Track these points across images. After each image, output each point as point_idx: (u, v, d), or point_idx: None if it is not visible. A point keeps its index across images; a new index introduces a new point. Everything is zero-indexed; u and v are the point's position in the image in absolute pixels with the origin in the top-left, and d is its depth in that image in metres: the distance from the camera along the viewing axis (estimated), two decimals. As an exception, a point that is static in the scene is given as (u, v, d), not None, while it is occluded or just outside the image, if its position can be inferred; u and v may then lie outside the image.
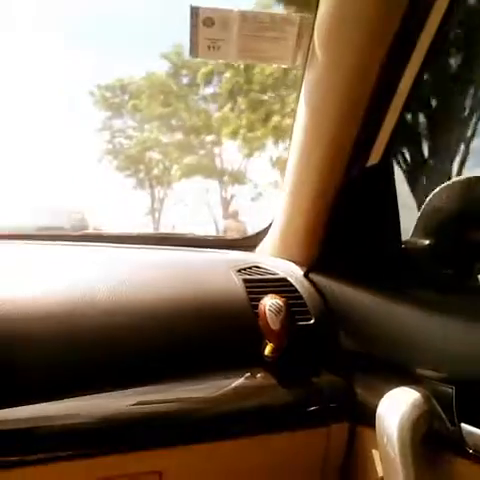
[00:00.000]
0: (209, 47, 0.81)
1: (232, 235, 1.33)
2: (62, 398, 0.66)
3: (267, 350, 0.77)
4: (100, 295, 0.75)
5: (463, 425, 0.62)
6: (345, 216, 0.88)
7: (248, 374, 0.76)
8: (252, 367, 0.77)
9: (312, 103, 0.84)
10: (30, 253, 0.97)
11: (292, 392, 0.77)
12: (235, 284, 0.87)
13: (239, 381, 0.75)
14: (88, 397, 0.67)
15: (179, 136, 15.45)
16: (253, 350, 0.78)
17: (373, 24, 0.72)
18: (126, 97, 16.55)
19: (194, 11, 0.78)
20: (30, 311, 0.70)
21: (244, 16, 0.80)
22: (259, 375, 0.77)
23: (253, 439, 0.76)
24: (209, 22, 0.79)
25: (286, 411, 0.77)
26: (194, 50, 0.80)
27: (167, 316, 0.77)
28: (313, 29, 0.79)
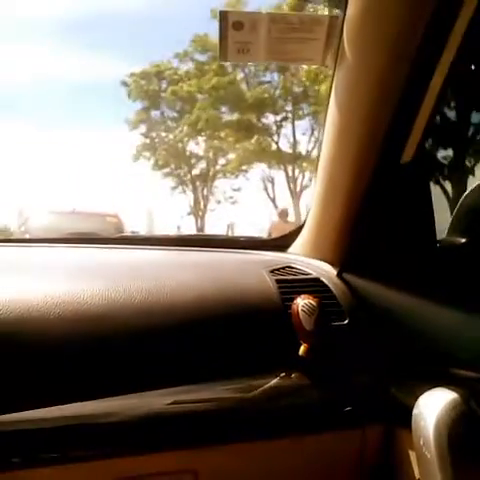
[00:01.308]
0: (238, 50, 0.81)
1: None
2: (99, 397, 0.68)
3: (301, 350, 0.77)
4: (135, 297, 0.77)
5: None
6: (378, 215, 0.88)
7: (283, 374, 0.76)
8: (287, 367, 0.77)
9: (342, 102, 0.83)
10: (67, 256, 1.00)
11: (327, 392, 0.78)
12: (268, 285, 0.87)
13: (274, 381, 0.76)
14: (124, 396, 0.69)
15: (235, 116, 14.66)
16: (287, 350, 0.78)
17: (402, 21, 0.71)
18: (164, 84, 15.92)
19: (223, 15, 0.79)
20: (66, 313, 0.72)
21: (273, 18, 0.80)
22: (293, 375, 0.77)
23: (288, 439, 0.76)
24: (238, 26, 0.80)
25: (321, 412, 0.77)
26: (223, 54, 0.81)
27: (202, 317, 0.78)
28: (342, 29, 0.79)
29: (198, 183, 17.08)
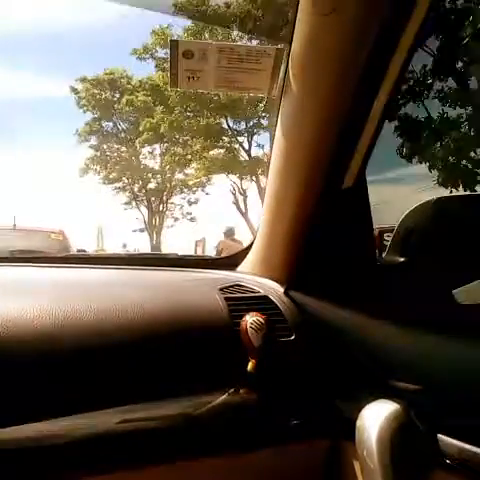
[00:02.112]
0: (189, 78, 0.84)
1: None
2: (46, 418, 0.67)
3: (250, 366, 0.79)
4: (83, 316, 0.76)
5: (440, 436, 0.65)
6: (322, 237, 0.92)
7: (231, 390, 0.78)
8: (236, 384, 0.79)
9: (288, 130, 0.88)
10: (8, 275, 0.98)
11: (274, 408, 0.80)
12: (218, 303, 0.89)
13: (222, 398, 0.77)
14: (73, 416, 0.68)
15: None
16: (236, 367, 0.80)
17: (344, 56, 0.76)
18: (117, 94, 14.73)
19: (173, 44, 0.82)
20: (12, 331, 0.70)
21: (221, 48, 0.84)
22: (242, 391, 0.79)
23: (235, 456, 0.77)
24: (189, 54, 0.83)
25: (268, 427, 0.79)
26: (174, 81, 0.84)
27: (151, 335, 0.78)
28: (288, 60, 0.83)
29: (153, 198, 16.36)
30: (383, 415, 0.70)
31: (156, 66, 14.34)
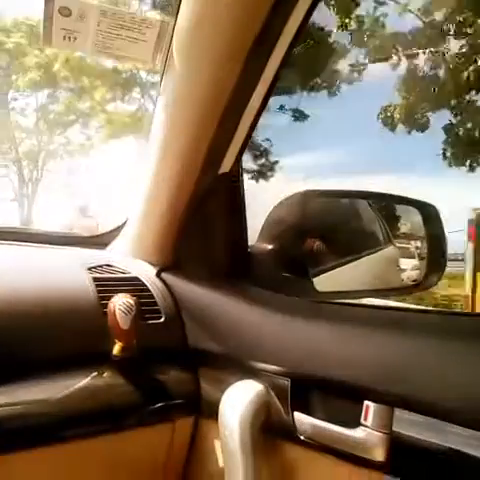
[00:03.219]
0: (64, 37, 0.78)
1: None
2: None
3: (115, 349, 0.77)
4: None
5: (296, 414, 0.69)
6: (198, 220, 0.92)
7: (94, 374, 0.75)
8: (101, 367, 0.76)
9: (168, 108, 0.86)
10: None
11: (139, 390, 0.78)
12: (84, 282, 0.85)
13: (85, 381, 0.74)
14: None
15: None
16: (101, 349, 0.77)
17: (230, 35, 0.76)
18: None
19: (49, -2, 0.75)
20: None
21: (103, 11, 0.78)
22: (106, 374, 0.76)
23: (99, 439, 0.75)
24: (66, 11, 0.77)
25: (132, 409, 0.77)
26: (47, 38, 0.77)
27: (11, 314, 0.73)
28: (173, 34, 0.81)
29: (26, 163, 13.87)
30: (245, 395, 0.73)
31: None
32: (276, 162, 9.23)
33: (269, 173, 9.21)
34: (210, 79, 0.80)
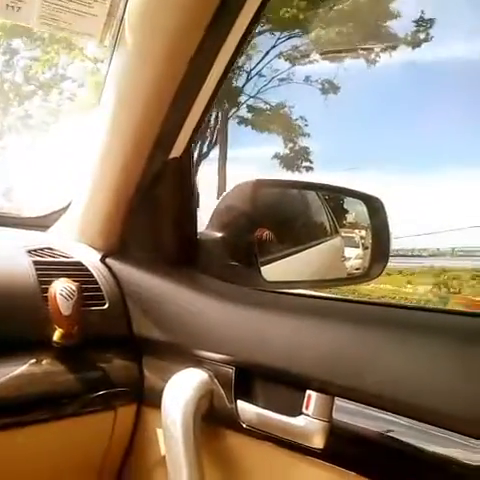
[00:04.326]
0: (8, 6, 0.73)
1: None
2: None
3: (56, 336, 0.75)
4: None
5: (240, 402, 0.69)
6: (146, 205, 0.90)
7: (33, 361, 0.73)
8: (39, 354, 0.74)
9: (117, 90, 0.83)
10: None
11: (80, 377, 0.77)
12: (24, 266, 0.81)
13: (23, 368, 0.71)
14: None
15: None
16: (41, 336, 0.75)
17: (185, 15, 0.73)
18: None
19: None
20: None
21: (50, -18, 0.74)
22: (45, 362, 0.74)
23: (38, 427, 0.73)
24: (9, -22, 0.72)
25: (72, 397, 0.76)
26: (-11, 6, 0.72)
27: None
28: (124, 10, 0.78)
29: None
30: (189, 383, 0.72)
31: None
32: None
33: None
34: (162, 60, 0.77)
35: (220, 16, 0.73)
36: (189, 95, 0.82)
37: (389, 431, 0.61)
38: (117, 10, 0.79)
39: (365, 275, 1.06)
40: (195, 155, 0.92)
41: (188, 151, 0.88)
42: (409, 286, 7.65)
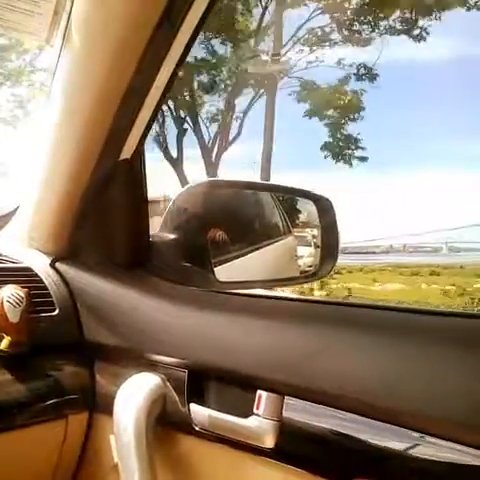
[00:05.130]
0: None
1: None
2: None
3: (3, 344, 0.73)
4: None
5: (193, 405, 0.69)
6: (96, 208, 0.88)
7: None
8: None
9: (65, 90, 0.81)
10: None
11: (30, 386, 0.75)
12: None
13: None
14: None
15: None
16: None
17: (133, 14, 0.72)
18: None
19: None
20: None
21: (-7, -21, 0.72)
22: None
23: None
24: None
25: (22, 407, 0.74)
26: None
27: None
28: (71, 10, 0.76)
29: None
30: (141, 388, 0.72)
31: None
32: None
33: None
34: (110, 60, 0.76)
35: (169, 13, 0.72)
36: (138, 95, 0.81)
37: (338, 428, 0.63)
38: (63, 8, 0.78)
39: (315, 274, 1.08)
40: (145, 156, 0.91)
41: (138, 152, 0.87)
42: (377, 284, 7.70)
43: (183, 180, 9.13)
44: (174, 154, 9.64)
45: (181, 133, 9.67)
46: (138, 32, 0.73)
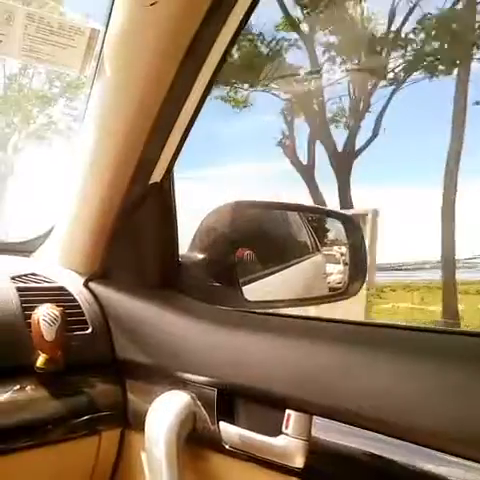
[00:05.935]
0: (-12, 40, 0.75)
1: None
2: None
3: (39, 362, 0.75)
4: None
5: (222, 424, 0.70)
6: (128, 230, 0.91)
7: (17, 387, 0.73)
8: (23, 380, 0.74)
9: (98, 118, 0.85)
10: None
11: (64, 403, 0.77)
12: (8, 292, 0.82)
13: (7, 395, 0.72)
14: None
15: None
16: (25, 362, 0.75)
17: (162, 45, 0.75)
18: None
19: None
20: None
21: (30, 15, 0.76)
22: (29, 388, 0.74)
23: (22, 454, 0.73)
24: (-10, 13, 0.74)
25: (56, 423, 0.76)
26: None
27: None
28: (103, 42, 0.80)
29: None
30: (172, 406, 0.73)
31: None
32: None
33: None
34: (141, 88, 0.80)
35: (198, 41, 0.75)
36: (168, 120, 0.84)
37: (368, 449, 0.62)
38: (96, 42, 0.82)
39: (344, 292, 1.08)
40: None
41: (168, 175, 0.90)
42: (429, 303, 7.15)
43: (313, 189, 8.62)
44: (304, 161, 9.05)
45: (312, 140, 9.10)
46: (168, 60, 0.77)
